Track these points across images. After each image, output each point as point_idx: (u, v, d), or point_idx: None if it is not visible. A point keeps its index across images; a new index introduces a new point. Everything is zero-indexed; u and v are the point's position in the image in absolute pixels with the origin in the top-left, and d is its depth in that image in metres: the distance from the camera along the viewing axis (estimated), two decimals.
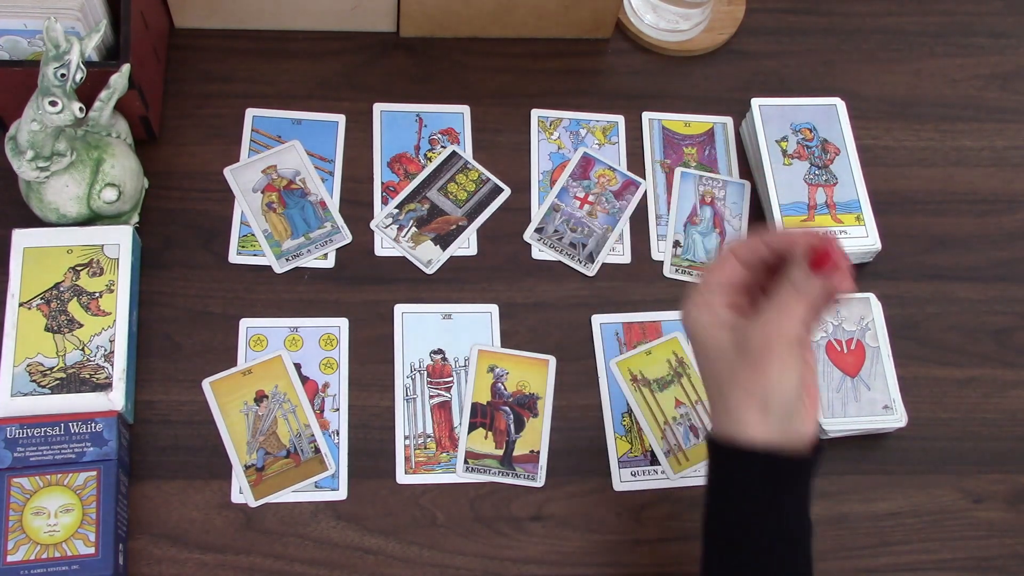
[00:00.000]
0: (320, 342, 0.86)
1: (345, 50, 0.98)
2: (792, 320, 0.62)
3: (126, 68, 0.81)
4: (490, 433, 0.84)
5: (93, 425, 0.77)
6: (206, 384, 0.83)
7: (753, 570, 0.64)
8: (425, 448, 0.83)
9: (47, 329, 0.80)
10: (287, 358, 0.84)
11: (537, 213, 0.92)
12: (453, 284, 0.89)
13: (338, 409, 0.84)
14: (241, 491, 0.80)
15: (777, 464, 0.63)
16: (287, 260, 0.88)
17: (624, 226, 0.93)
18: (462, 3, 0.95)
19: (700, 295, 0.66)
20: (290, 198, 0.90)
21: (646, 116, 0.98)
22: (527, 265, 0.90)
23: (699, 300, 0.66)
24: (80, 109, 0.77)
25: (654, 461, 0.84)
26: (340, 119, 0.94)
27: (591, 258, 0.91)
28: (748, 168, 0.96)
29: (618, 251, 0.92)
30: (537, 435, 0.84)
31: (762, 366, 0.62)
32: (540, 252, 0.91)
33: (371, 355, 0.86)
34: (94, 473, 0.76)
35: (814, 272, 0.61)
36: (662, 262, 0.92)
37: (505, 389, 0.85)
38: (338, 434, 0.83)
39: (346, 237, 0.90)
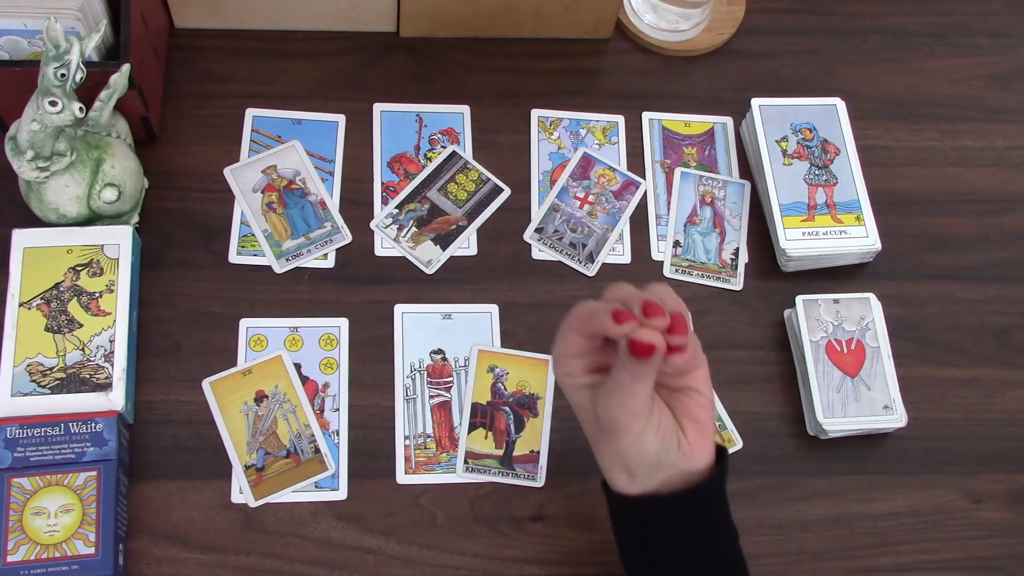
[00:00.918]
0: (320, 342, 0.86)
1: (345, 50, 0.98)
2: (633, 399, 0.61)
3: (126, 68, 0.81)
4: (490, 433, 0.84)
5: (93, 425, 0.77)
6: (206, 384, 0.83)
7: None
8: (425, 448, 0.83)
9: (47, 329, 0.80)
10: (287, 358, 0.84)
11: (537, 213, 0.92)
12: (453, 284, 0.89)
13: (338, 409, 0.84)
14: (241, 491, 0.80)
15: (658, 506, 0.64)
16: (287, 260, 0.88)
17: (624, 226, 0.93)
18: (462, 3, 0.95)
19: (557, 364, 0.65)
20: (290, 198, 0.90)
21: (646, 116, 0.98)
22: (527, 265, 0.90)
23: (558, 368, 0.65)
24: (80, 109, 0.77)
25: None
26: (340, 119, 0.94)
27: (591, 258, 0.91)
28: (748, 168, 0.96)
29: (618, 251, 0.92)
30: (537, 435, 0.84)
31: (615, 439, 0.62)
32: (540, 252, 0.91)
33: (371, 355, 0.86)
34: (94, 473, 0.76)
35: (636, 359, 0.58)
36: (662, 262, 0.92)
37: (505, 389, 0.85)
38: (338, 434, 0.83)
39: (346, 237, 0.90)
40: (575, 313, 0.63)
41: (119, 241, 0.83)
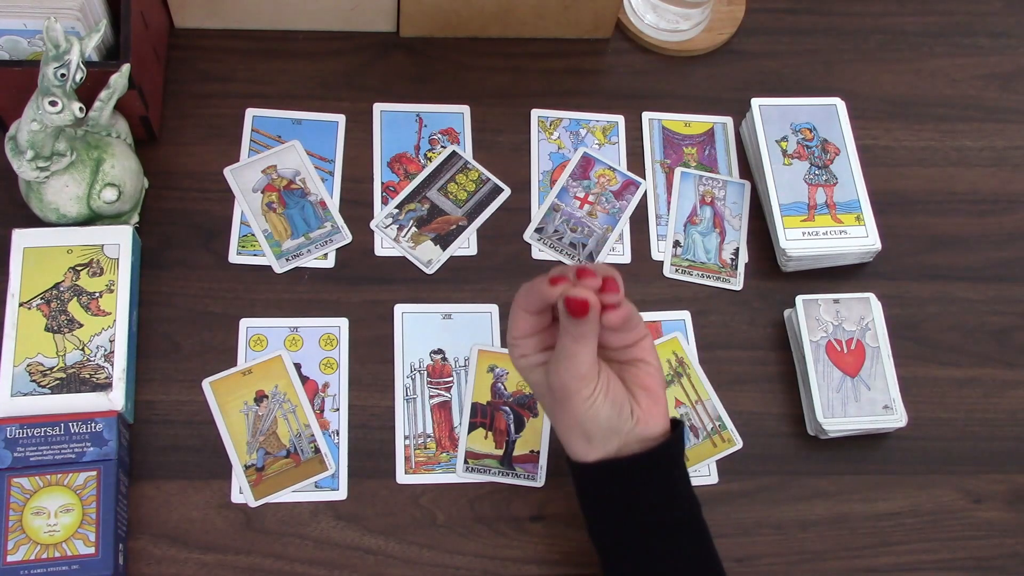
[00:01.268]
0: (320, 342, 0.86)
1: (345, 50, 0.98)
2: (578, 363, 0.64)
3: (126, 68, 0.81)
4: (490, 433, 0.84)
5: (93, 425, 0.77)
6: (206, 384, 0.83)
7: (638, 563, 0.68)
8: (425, 448, 0.83)
9: (47, 329, 0.80)
10: (287, 358, 0.84)
11: (537, 213, 0.93)
12: (453, 284, 0.89)
13: (338, 409, 0.84)
14: (241, 491, 0.80)
15: (616, 469, 0.67)
16: (287, 260, 0.88)
17: (624, 226, 0.93)
18: (462, 3, 0.95)
19: (512, 348, 0.69)
20: (290, 198, 0.90)
21: (646, 116, 0.98)
22: (527, 265, 0.90)
23: (512, 350, 0.69)
24: (80, 109, 0.77)
25: None
26: (340, 119, 0.94)
27: (591, 258, 0.91)
28: (748, 168, 0.96)
29: (618, 251, 0.92)
30: (537, 435, 0.84)
31: (567, 406, 0.66)
32: (540, 252, 0.91)
33: (371, 355, 0.86)
34: (94, 473, 0.76)
35: (574, 319, 0.62)
36: (662, 262, 0.92)
37: (505, 389, 0.85)
38: (338, 434, 0.83)
39: (346, 237, 0.90)
40: (519, 292, 0.67)
41: (119, 241, 0.83)
